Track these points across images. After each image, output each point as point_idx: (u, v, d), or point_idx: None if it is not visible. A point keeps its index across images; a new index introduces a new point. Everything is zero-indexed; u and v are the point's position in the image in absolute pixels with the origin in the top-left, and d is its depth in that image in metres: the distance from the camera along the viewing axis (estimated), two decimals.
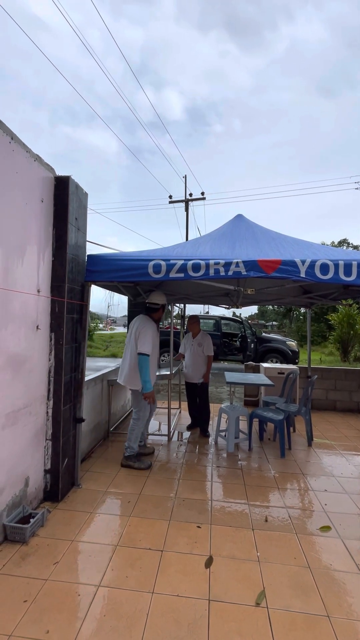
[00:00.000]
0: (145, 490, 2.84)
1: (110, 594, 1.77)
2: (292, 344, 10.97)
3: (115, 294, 5.34)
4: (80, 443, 2.94)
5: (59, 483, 2.62)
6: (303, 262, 2.72)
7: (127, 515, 2.48)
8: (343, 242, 31.46)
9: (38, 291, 2.47)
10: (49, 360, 2.64)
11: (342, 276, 2.71)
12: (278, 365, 5.82)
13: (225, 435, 3.97)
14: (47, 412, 2.63)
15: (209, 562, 2.02)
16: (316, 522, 2.47)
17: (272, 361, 10.53)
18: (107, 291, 4.63)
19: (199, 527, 2.37)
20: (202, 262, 2.80)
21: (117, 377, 3.50)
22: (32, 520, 2.20)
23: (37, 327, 2.47)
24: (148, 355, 3.14)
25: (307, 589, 1.85)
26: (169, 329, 10.27)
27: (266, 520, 2.47)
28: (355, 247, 29.84)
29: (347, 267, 2.71)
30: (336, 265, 2.71)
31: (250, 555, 2.09)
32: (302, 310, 25.00)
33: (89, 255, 3.04)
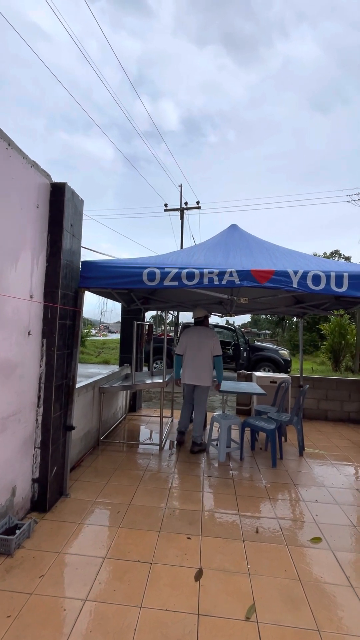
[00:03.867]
0: (135, 501, 2.80)
1: (97, 608, 1.73)
2: (285, 353, 11.03)
3: (109, 300, 5.32)
4: (70, 451, 2.90)
5: (47, 493, 2.57)
6: (295, 272, 2.76)
7: (116, 526, 2.43)
8: (335, 254, 32.01)
9: (31, 297, 2.45)
10: (40, 366, 2.61)
11: (333, 287, 2.76)
12: (270, 374, 5.84)
13: (217, 445, 3.94)
14: (37, 420, 2.59)
15: (198, 575, 1.99)
16: (307, 534, 2.45)
17: (264, 370, 10.56)
18: (101, 297, 4.62)
19: (189, 538, 2.33)
20: (197, 271, 2.82)
21: (188, 380, 3.99)
22: (18, 532, 2.14)
23: (29, 332, 2.44)
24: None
25: (298, 602, 1.83)
26: (162, 336, 10.24)
27: (257, 532, 2.45)
28: (347, 259, 30.37)
29: (339, 279, 2.76)
30: (328, 277, 2.76)
31: (241, 568, 2.07)
32: (295, 319, 25.22)
33: (83, 262, 3.04)
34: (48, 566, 2.01)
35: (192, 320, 4.34)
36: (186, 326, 4.95)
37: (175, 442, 4.18)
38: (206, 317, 4.28)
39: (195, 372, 3.97)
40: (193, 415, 4.17)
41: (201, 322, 4.20)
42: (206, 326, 4.23)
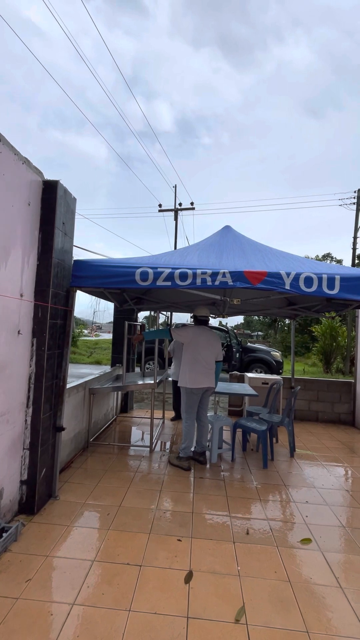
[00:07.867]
0: (126, 502, 2.77)
1: (85, 612, 1.70)
2: (277, 354, 11.10)
3: (102, 300, 5.28)
4: (59, 453, 2.86)
5: (36, 495, 2.52)
6: (288, 274, 2.77)
7: (105, 529, 2.40)
8: (327, 256, 32.38)
9: (21, 295, 2.41)
10: (30, 366, 2.57)
11: (325, 289, 2.77)
12: (262, 376, 5.87)
13: (208, 446, 3.94)
14: (26, 420, 2.54)
15: (188, 577, 1.98)
16: (297, 535, 2.46)
17: (256, 371, 10.60)
18: (94, 297, 4.59)
19: (179, 540, 2.32)
20: (190, 271, 2.81)
21: (201, 383, 3.57)
22: (4, 535, 2.10)
23: (19, 332, 2.40)
24: None
25: (287, 603, 1.83)
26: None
27: (247, 533, 2.44)
28: (339, 262, 30.75)
29: (330, 281, 2.78)
30: (320, 279, 2.78)
31: (231, 570, 2.06)
32: (287, 321, 25.45)
33: (75, 261, 3.00)
34: (35, 570, 1.97)
35: (183, 321, 4.20)
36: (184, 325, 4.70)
37: (191, 465, 3.59)
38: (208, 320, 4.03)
39: (207, 373, 3.62)
40: (198, 423, 3.75)
41: (205, 322, 3.92)
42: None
